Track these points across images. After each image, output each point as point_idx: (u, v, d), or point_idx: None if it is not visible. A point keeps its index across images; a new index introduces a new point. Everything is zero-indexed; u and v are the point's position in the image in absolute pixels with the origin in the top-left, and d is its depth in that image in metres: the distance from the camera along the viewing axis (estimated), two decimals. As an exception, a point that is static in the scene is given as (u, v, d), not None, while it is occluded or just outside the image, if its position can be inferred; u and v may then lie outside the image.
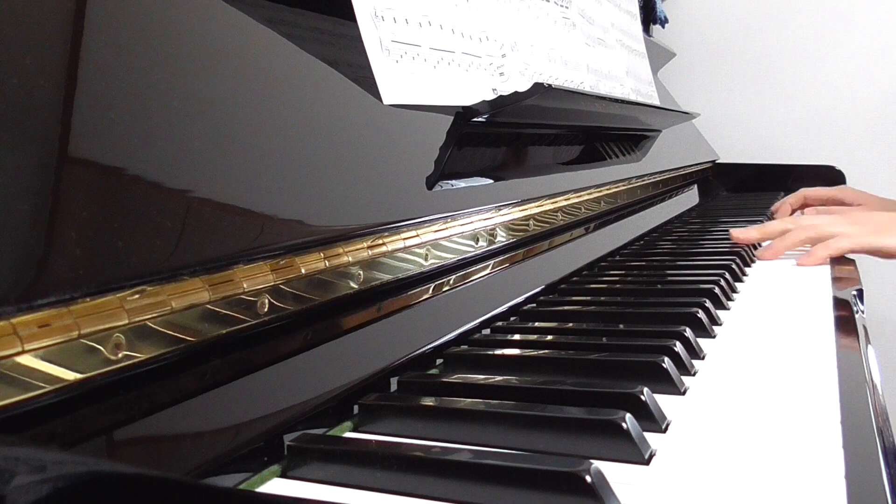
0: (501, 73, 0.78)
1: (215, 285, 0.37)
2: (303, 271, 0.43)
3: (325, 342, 0.45)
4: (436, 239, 0.58)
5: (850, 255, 1.04)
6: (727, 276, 0.82)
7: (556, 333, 0.63)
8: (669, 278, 0.85)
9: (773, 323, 0.70)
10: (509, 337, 0.62)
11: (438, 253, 0.58)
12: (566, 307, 0.72)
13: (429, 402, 0.45)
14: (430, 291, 0.57)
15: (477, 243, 0.65)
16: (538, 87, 0.66)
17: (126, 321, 0.33)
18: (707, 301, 0.69)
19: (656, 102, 1.40)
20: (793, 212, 1.43)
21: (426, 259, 0.56)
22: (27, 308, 0.29)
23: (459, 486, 0.36)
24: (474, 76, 0.73)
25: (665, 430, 0.43)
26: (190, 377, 0.37)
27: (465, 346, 0.58)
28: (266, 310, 0.40)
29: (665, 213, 1.36)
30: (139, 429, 0.34)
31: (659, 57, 1.76)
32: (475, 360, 0.55)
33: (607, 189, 1.03)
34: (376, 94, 0.59)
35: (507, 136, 0.80)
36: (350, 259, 0.48)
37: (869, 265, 1.23)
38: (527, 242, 0.75)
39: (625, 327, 0.63)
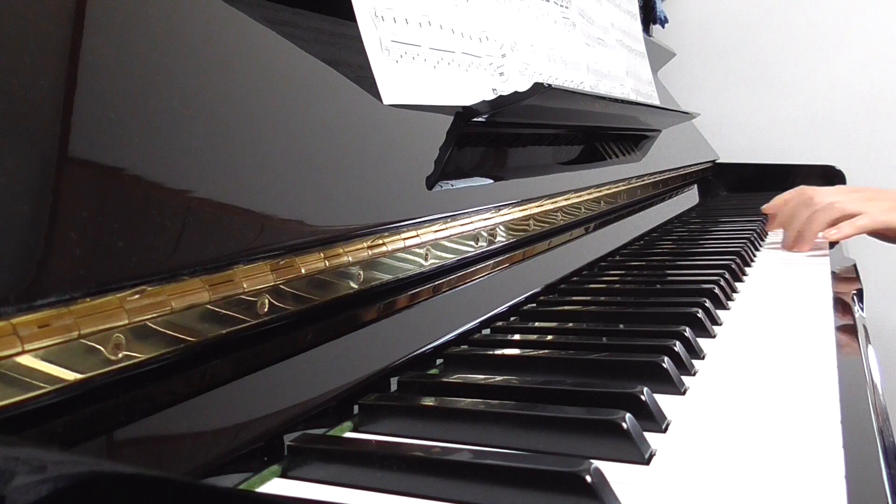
0: (501, 73, 0.78)
1: (215, 285, 0.37)
2: (303, 271, 0.43)
3: (324, 342, 0.45)
4: (436, 239, 0.58)
5: (850, 256, 1.04)
6: (727, 275, 0.82)
7: (556, 333, 0.63)
8: (669, 278, 0.85)
9: (773, 322, 0.70)
10: (509, 337, 0.62)
11: (438, 253, 0.58)
12: (566, 307, 0.72)
13: (429, 402, 0.45)
14: (430, 291, 0.57)
15: (477, 243, 0.65)
16: (538, 87, 0.66)
17: (126, 321, 0.33)
18: (707, 301, 0.69)
19: (656, 102, 1.40)
20: None
21: (426, 259, 0.56)
22: (27, 308, 0.29)
23: (459, 486, 0.36)
24: (474, 76, 0.73)
25: (665, 430, 0.43)
26: (190, 377, 0.37)
27: (465, 346, 0.58)
28: (266, 310, 0.40)
29: (665, 213, 1.36)
30: (139, 429, 0.34)
31: (659, 57, 1.76)
32: (475, 360, 0.55)
33: (607, 189, 1.03)
34: (376, 94, 0.59)
35: (507, 136, 0.80)
36: (350, 259, 0.48)
37: (869, 265, 1.23)
38: (527, 242, 0.75)
39: (625, 327, 0.63)
